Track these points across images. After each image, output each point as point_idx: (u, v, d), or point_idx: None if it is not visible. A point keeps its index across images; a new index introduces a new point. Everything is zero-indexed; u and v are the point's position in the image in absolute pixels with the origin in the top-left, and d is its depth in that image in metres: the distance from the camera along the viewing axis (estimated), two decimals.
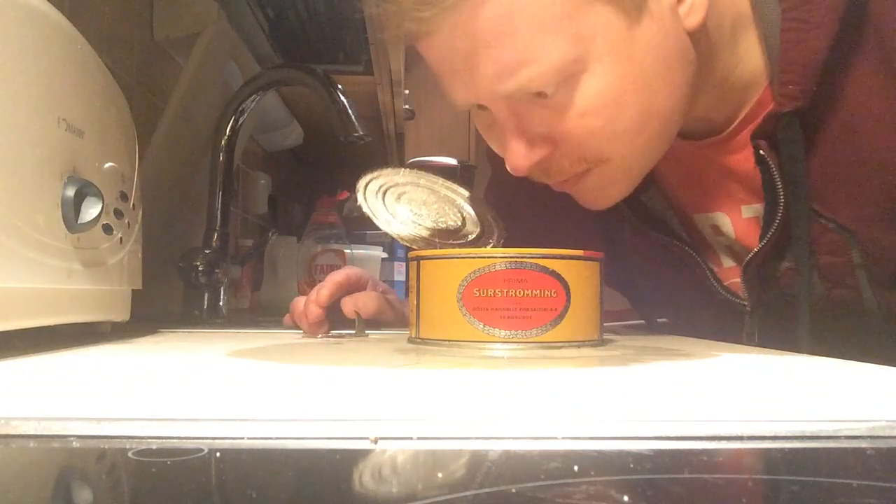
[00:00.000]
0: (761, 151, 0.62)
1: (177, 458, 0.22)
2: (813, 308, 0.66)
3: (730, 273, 0.73)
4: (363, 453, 0.23)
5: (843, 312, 0.67)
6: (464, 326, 0.53)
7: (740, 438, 0.25)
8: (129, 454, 0.23)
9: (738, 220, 0.71)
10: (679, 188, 0.74)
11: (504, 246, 0.60)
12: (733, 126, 0.67)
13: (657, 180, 0.74)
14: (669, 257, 0.74)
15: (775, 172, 0.62)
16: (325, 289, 0.67)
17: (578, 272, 0.54)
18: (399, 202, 0.62)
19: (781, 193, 0.62)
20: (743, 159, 0.66)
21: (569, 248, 0.55)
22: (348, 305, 0.67)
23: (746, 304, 0.70)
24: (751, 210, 0.69)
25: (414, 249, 0.62)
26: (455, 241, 0.63)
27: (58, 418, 0.25)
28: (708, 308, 0.74)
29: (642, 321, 0.93)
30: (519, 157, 0.61)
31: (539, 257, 0.53)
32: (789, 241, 0.64)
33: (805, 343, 0.65)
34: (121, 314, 0.62)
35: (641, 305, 0.90)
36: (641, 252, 0.78)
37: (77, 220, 0.51)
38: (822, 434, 0.25)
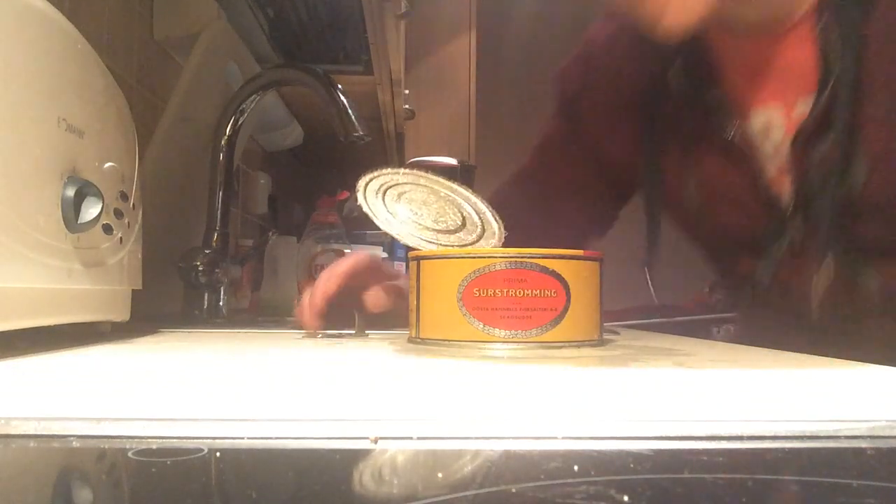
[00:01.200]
0: (823, 22, 0.67)
1: (177, 458, 0.22)
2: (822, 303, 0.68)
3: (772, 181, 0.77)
4: (363, 453, 0.23)
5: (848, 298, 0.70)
6: (464, 326, 0.53)
7: (740, 438, 0.25)
8: (129, 454, 0.23)
9: (791, 115, 0.73)
10: (740, 79, 0.78)
11: (504, 246, 0.60)
12: (799, 12, 0.71)
13: (720, 73, 0.78)
14: (719, 157, 0.78)
15: (834, 43, 0.66)
16: (332, 281, 0.67)
17: (578, 272, 0.54)
18: (399, 202, 0.62)
19: (839, 62, 0.66)
20: (803, 44, 0.70)
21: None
22: (371, 300, 0.69)
23: (789, 202, 0.74)
24: (805, 104, 0.72)
25: (414, 249, 0.62)
26: (455, 241, 0.63)
27: (58, 418, 0.25)
28: (746, 213, 0.78)
29: (642, 321, 0.93)
30: None
31: (539, 257, 0.53)
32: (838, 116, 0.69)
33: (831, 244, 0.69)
34: (121, 314, 0.62)
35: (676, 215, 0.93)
36: (694, 153, 0.82)
37: (77, 220, 0.51)
38: (822, 434, 0.25)
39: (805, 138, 0.70)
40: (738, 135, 0.76)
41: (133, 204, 0.63)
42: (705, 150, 0.79)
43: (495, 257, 0.54)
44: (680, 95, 0.79)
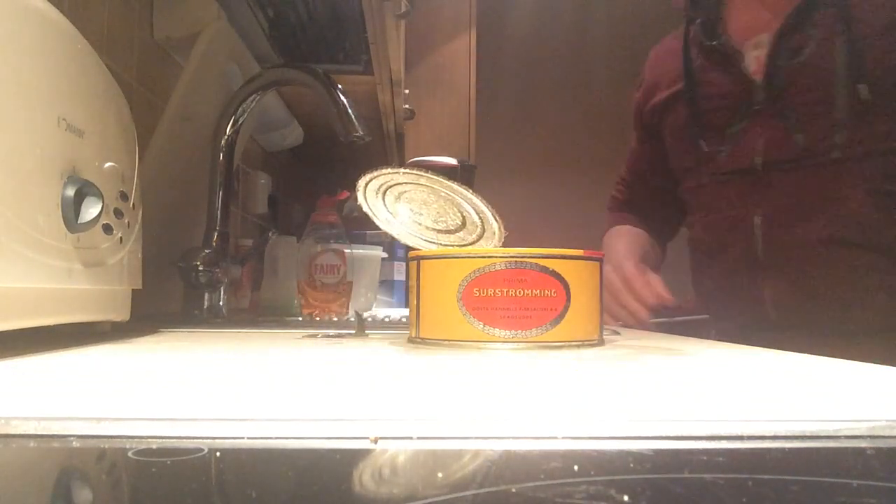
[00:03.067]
0: None
1: (177, 458, 0.22)
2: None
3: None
4: (363, 453, 0.23)
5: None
6: (464, 326, 0.53)
7: (740, 438, 0.25)
8: (129, 454, 0.23)
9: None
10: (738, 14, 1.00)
11: (504, 246, 0.60)
12: None
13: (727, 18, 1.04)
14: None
15: None
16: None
17: (578, 272, 0.54)
18: (399, 202, 0.62)
19: None
20: None
21: None
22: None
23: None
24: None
25: (414, 249, 0.62)
26: (455, 241, 0.63)
27: (58, 418, 0.25)
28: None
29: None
30: None
31: (539, 257, 0.53)
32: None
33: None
34: (121, 314, 0.62)
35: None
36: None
37: (77, 220, 0.51)
38: (822, 434, 0.25)
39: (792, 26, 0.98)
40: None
41: (133, 204, 0.63)
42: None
43: (495, 257, 0.54)
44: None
